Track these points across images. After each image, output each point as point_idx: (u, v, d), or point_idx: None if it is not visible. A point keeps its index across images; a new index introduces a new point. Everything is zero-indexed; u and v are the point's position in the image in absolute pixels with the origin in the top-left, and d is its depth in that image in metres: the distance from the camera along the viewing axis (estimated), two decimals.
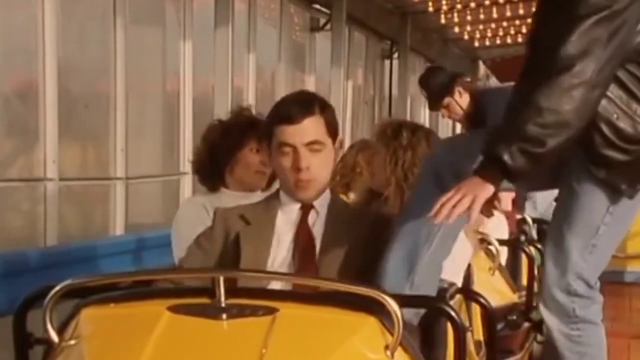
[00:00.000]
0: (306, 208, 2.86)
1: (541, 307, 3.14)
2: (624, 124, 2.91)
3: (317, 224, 2.85)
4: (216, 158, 3.75)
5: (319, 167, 2.81)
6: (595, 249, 3.07)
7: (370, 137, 3.71)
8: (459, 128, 19.08)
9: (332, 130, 2.86)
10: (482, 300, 3.14)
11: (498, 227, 4.76)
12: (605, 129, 2.91)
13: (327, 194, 2.90)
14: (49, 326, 2.30)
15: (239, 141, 3.72)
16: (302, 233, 2.83)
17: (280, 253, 2.81)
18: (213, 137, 3.78)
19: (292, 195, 2.86)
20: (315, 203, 2.86)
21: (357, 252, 2.79)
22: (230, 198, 3.74)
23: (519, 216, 5.72)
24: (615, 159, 2.94)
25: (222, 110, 7.96)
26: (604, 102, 2.89)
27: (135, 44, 7.20)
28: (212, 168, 3.77)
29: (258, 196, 3.74)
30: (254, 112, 3.91)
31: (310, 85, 10.75)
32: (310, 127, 2.80)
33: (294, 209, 2.86)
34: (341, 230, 2.82)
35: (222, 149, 3.73)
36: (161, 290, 2.38)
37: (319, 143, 2.81)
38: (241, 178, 3.76)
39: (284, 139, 2.81)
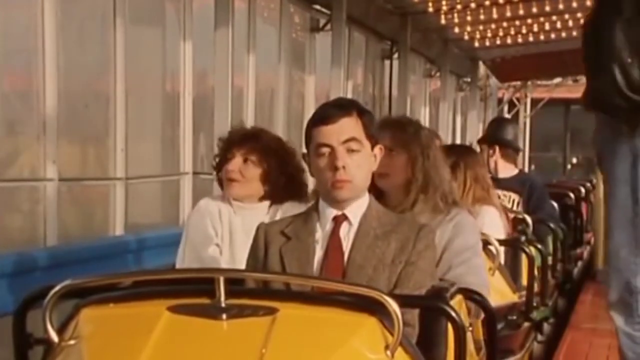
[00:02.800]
0: (339, 219, 2.83)
1: (610, 310, 3.15)
2: (634, 71, 2.92)
3: (349, 235, 2.81)
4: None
5: (355, 167, 2.78)
6: None
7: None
8: (458, 129, 19.06)
9: (371, 134, 2.84)
10: (482, 300, 3.13)
11: (493, 223, 4.75)
12: (617, 73, 2.92)
13: (363, 202, 2.85)
14: (48, 326, 2.30)
15: (221, 162, 3.81)
16: (332, 246, 2.80)
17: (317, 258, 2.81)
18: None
19: (328, 196, 2.83)
20: (349, 212, 2.82)
21: (387, 265, 2.76)
22: (239, 207, 3.76)
23: (518, 216, 5.72)
24: (619, 107, 2.96)
25: (222, 111, 8.00)
26: (621, 45, 2.89)
27: (135, 44, 7.20)
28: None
29: (258, 207, 3.74)
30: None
31: (310, 85, 10.76)
32: (347, 126, 2.79)
33: (329, 219, 2.83)
34: (373, 243, 2.79)
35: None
36: (161, 291, 2.38)
37: (356, 141, 2.78)
38: None
39: (320, 139, 2.79)
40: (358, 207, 2.84)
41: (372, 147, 2.85)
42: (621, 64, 2.93)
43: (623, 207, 3.06)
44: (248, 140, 3.74)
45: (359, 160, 2.79)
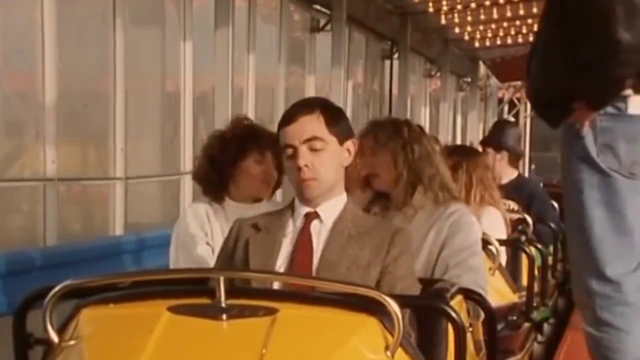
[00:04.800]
0: (310, 215, 2.83)
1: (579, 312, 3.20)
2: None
3: (320, 232, 2.81)
4: (219, 170, 3.75)
5: (320, 165, 2.78)
6: (591, 241, 3.08)
7: (362, 140, 3.69)
8: (459, 129, 19.04)
9: (337, 130, 2.83)
10: (482, 300, 3.13)
11: (495, 224, 4.75)
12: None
13: (338, 202, 2.86)
14: (48, 326, 2.30)
15: (240, 153, 3.72)
16: (301, 242, 2.80)
17: (281, 260, 2.80)
18: (213, 149, 3.78)
19: (299, 195, 2.84)
20: (321, 210, 2.83)
21: (361, 267, 2.75)
22: (234, 209, 3.73)
23: (519, 216, 5.72)
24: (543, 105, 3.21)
25: (222, 111, 8.00)
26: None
27: (135, 44, 7.20)
28: (216, 180, 3.77)
29: (264, 206, 3.74)
30: (254, 121, 3.94)
31: (310, 85, 10.75)
32: (308, 125, 2.79)
33: (301, 215, 2.84)
34: (346, 242, 2.78)
35: (224, 161, 3.73)
36: (161, 291, 2.38)
37: (319, 140, 2.79)
38: (246, 189, 3.75)
39: (285, 140, 2.81)
40: (332, 207, 2.84)
41: (342, 143, 2.85)
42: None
43: (575, 210, 3.11)
44: (273, 143, 3.72)
45: (323, 158, 2.79)
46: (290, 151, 2.80)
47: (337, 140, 2.82)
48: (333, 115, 2.85)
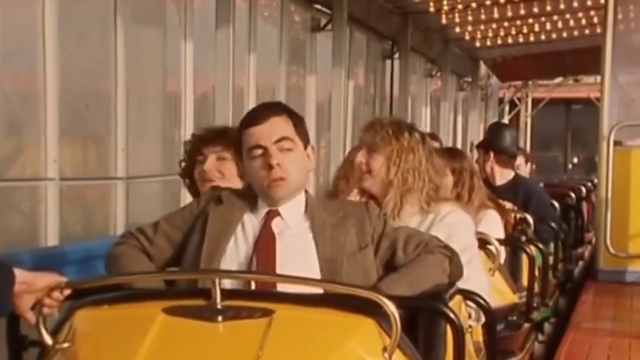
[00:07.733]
0: (272, 214, 2.83)
1: None
2: None
3: (282, 231, 2.80)
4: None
5: (290, 164, 2.79)
6: None
7: (363, 135, 3.63)
8: (459, 128, 19.05)
9: (301, 133, 2.85)
10: (481, 301, 3.12)
11: (493, 226, 4.74)
12: None
13: (300, 201, 2.86)
14: (42, 329, 2.29)
15: (190, 165, 3.75)
16: (264, 238, 2.78)
17: (238, 250, 2.78)
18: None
19: (265, 197, 2.83)
20: (282, 209, 2.83)
21: (356, 254, 2.76)
22: None
23: (519, 215, 5.71)
24: None
25: (223, 110, 7.98)
26: None
27: (136, 43, 7.19)
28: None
29: None
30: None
31: (311, 85, 10.74)
32: (277, 125, 2.80)
33: (262, 212, 2.84)
34: (334, 233, 2.78)
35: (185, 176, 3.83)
36: (156, 292, 2.37)
37: (289, 140, 2.80)
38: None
39: (252, 141, 2.80)
40: (294, 206, 2.85)
41: (305, 147, 2.87)
42: None
43: None
44: (218, 138, 3.70)
45: (292, 158, 2.80)
46: (259, 151, 2.79)
47: (302, 144, 2.85)
48: (298, 119, 2.88)
